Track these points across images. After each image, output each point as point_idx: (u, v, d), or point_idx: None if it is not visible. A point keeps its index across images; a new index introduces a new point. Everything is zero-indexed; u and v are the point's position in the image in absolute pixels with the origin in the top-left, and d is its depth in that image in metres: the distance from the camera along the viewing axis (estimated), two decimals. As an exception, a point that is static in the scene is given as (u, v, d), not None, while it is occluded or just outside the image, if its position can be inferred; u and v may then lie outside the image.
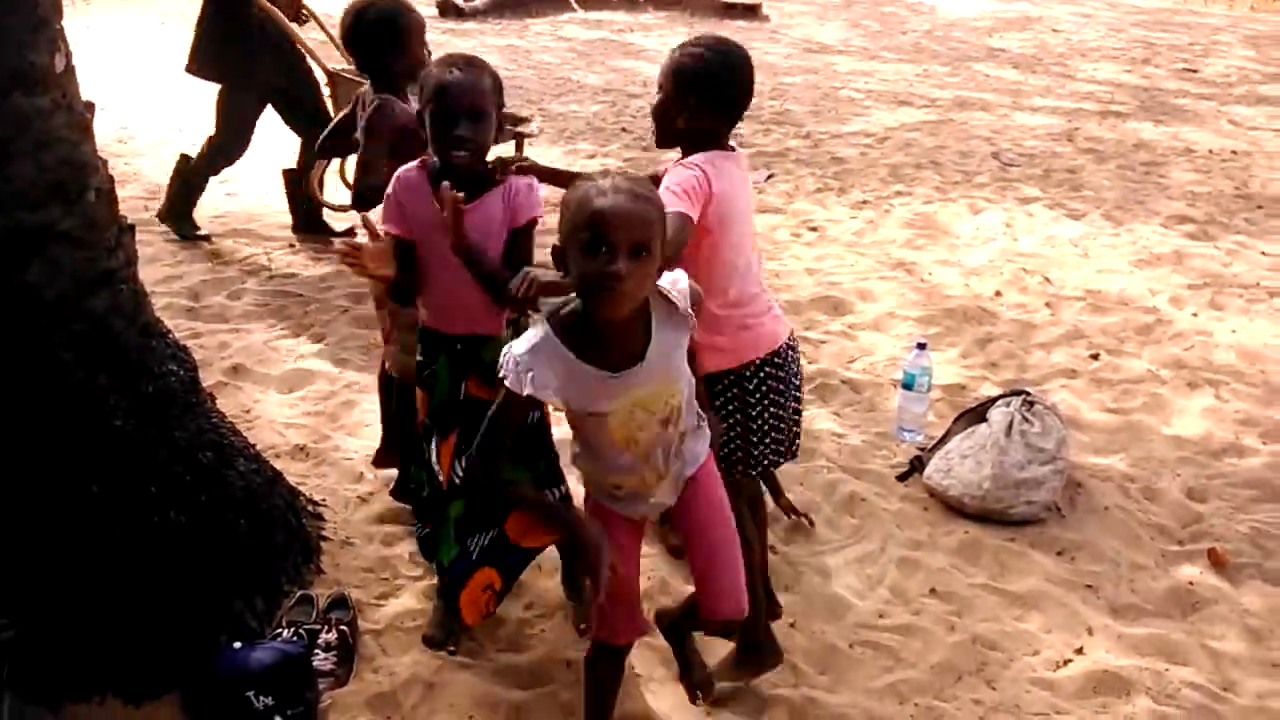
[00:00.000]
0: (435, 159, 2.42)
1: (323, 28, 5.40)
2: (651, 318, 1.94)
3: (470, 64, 2.38)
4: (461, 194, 2.24)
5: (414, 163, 2.49)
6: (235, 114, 5.14)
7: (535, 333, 1.91)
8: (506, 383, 1.89)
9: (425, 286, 2.52)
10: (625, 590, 2.15)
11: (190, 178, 5.31)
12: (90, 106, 2.57)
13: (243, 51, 4.99)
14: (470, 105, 2.33)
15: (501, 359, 1.92)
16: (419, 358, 2.61)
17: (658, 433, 2.01)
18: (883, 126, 8.08)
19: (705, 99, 2.37)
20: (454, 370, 2.54)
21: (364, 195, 2.87)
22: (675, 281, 1.98)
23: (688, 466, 2.13)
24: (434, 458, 2.58)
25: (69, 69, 2.46)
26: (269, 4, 4.85)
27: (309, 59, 5.17)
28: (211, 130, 5.22)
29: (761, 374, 2.45)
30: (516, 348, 1.90)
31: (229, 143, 5.20)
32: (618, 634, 2.21)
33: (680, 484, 2.14)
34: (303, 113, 5.15)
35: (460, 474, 2.50)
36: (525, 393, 1.87)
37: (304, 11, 5.27)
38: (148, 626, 2.47)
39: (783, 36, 12.21)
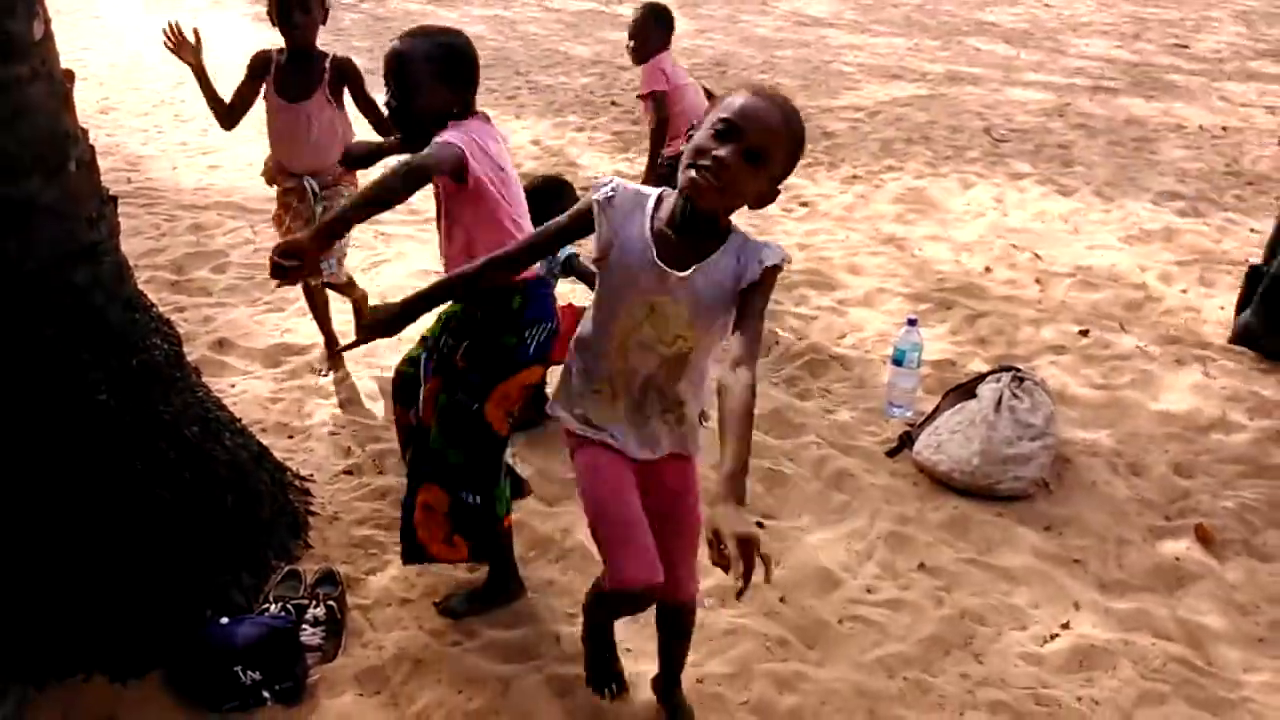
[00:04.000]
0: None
1: None
2: (722, 246, 1.93)
3: (413, 34, 2.52)
4: None
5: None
6: None
7: (649, 188, 2.00)
8: (592, 189, 2.00)
9: None
10: (629, 523, 2.02)
11: None
12: (70, 76, 2.52)
13: None
14: (389, 72, 2.49)
15: (605, 179, 2.02)
16: None
17: (651, 368, 1.98)
18: (874, 100, 8.04)
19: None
20: (450, 312, 2.60)
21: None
22: (771, 248, 1.94)
23: (662, 444, 2.07)
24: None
25: (47, 36, 2.40)
26: None
27: None
28: None
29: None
30: (626, 182, 2.01)
31: None
32: (624, 574, 1.99)
33: (651, 447, 2.07)
34: None
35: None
36: (596, 197, 1.97)
37: None
38: (132, 604, 2.46)
39: (773, 9, 12.11)
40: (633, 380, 2.01)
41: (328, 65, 3.52)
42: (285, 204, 3.68)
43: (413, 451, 2.71)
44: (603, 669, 2.34)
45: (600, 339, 2.02)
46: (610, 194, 1.97)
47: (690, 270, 1.91)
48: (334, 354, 3.87)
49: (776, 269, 1.92)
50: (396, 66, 2.46)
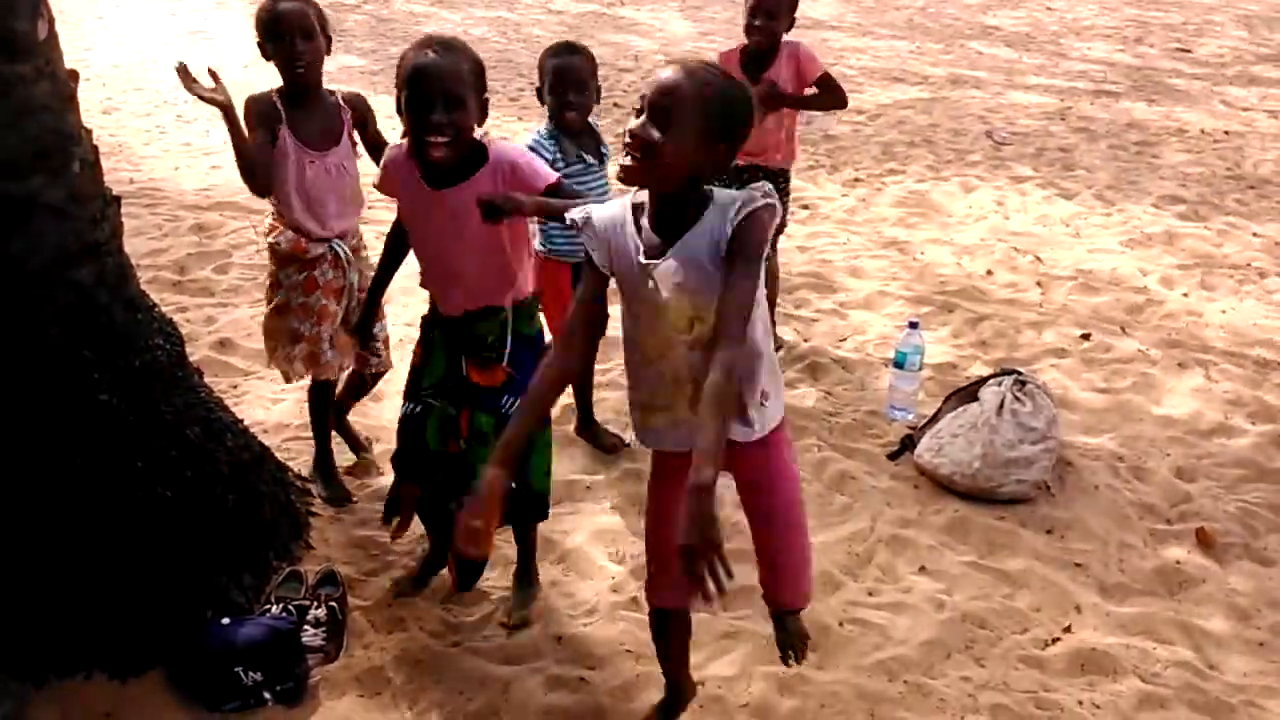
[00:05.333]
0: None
1: None
2: (696, 224, 1.87)
3: (448, 47, 2.28)
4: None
5: (403, 141, 2.45)
6: None
7: (624, 199, 2.00)
8: (568, 216, 2.01)
9: (420, 262, 2.61)
10: (659, 549, 2.10)
11: None
12: (74, 75, 2.52)
13: None
14: (445, 90, 2.23)
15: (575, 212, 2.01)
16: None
17: (685, 357, 1.93)
18: (875, 104, 8.04)
19: None
20: (449, 347, 2.55)
21: None
22: (745, 195, 1.87)
23: (739, 425, 1.98)
24: (431, 430, 2.56)
25: (52, 36, 2.41)
26: None
27: None
28: None
29: None
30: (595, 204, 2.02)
31: None
32: (669, 599, 2.18)
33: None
34: None
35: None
36: (577, 217, 1.98)
37: None
38: (134, 602, 2.46)
39: (775, 12, 12.11)
40: (680, 377, 1.95)
41: (342, 102, 2.94)
42: (277, 282, 3.02)
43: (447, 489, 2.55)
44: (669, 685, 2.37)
45: (632, 354, 2.02)
46: (585, 214, 1.98)
47: (664, 257, 1.88)
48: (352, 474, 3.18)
49: (751, 215, 1.82)
50: (471, 78, 2.29)
